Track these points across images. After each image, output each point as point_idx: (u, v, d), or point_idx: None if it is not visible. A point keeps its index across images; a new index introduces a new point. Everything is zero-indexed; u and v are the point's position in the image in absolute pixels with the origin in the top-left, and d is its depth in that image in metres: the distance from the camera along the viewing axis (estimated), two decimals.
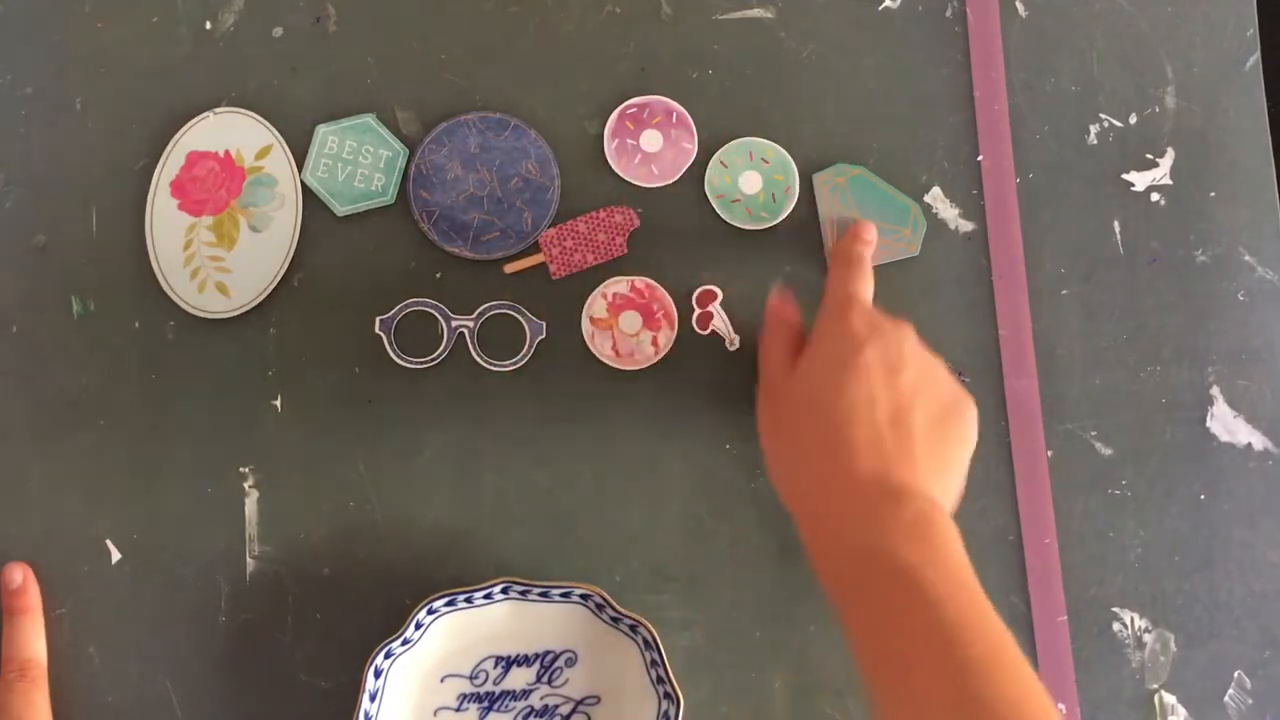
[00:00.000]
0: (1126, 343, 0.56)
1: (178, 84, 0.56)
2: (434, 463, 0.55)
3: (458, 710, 0.52)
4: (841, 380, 0.46)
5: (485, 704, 0.52)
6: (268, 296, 0.55)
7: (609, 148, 0.56)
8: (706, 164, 0.56)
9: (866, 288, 0.51)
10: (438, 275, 0.56)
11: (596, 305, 0.55)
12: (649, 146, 0.56)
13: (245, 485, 0.54)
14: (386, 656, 0.50)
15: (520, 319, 0.55)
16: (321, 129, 0.56)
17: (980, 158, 0.57)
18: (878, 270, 0.56)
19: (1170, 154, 0.58)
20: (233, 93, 0.56)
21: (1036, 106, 0.58)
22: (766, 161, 0.56)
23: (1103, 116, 0.58)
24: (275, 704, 0.53)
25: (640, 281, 0.56)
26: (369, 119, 0.56)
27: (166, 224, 0.55)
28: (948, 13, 0.58)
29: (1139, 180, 0.58)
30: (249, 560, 0.54)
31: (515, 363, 0.55)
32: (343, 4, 0.57)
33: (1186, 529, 0.55)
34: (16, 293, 0.55)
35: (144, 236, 0.55)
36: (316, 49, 0.57)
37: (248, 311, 0.55)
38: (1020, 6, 0.58)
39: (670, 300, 0.55)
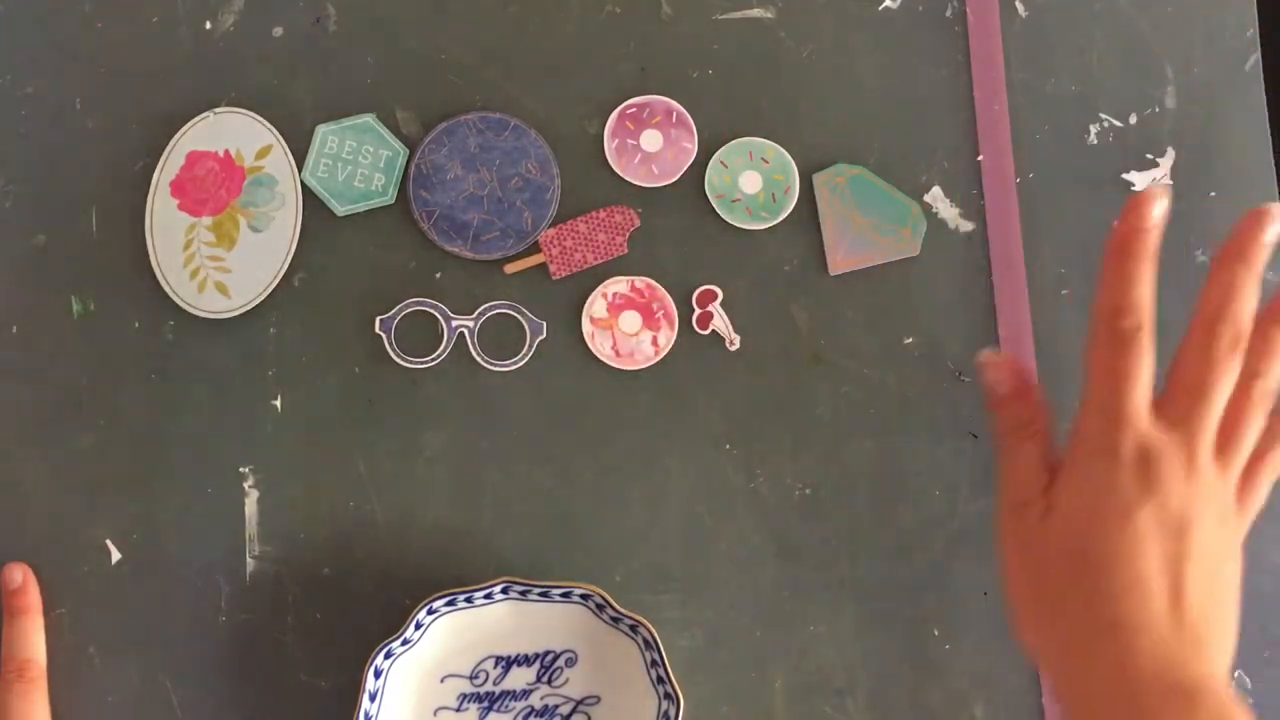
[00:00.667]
0: None
1: (178, 84, 0.56)
2: (434, 463, 0.55)
3: (458, 710, 0.52)
4: (1110, 545, 0.37)
5: (485, 704, 0.52)
6: (268, 296, 0.55)
7: (609, 148, 0.56)
8: (706, 164, 0.56)
9: (1142, 379, 0.39)
10: (438, 275, 0.56)
11: (596, 305, 0.55)
12: (649, 146, 0.56)
13: (245, 485, 0.54)
14: (386, 656, 0.50)
15: (520, 319, 0.55)
16: (321, 129, 0.56)
17: (980, 158, 0.57)
18: (878, 272, 0.56)
19: (1170, 154, 0.58)
20: (233, 93, 0.56)
21: (1036, 106, 0.58)
22: (766, 161, 0.56)
23: (1103, 116, 0.58)
24: (275, 704, 0.53)
25: (640, 281, 0.56)
26: (369, 119, 0.56)
27: (166, 224, 0.55)
28: (948, 13, 0.58)
29: (1139, 180, 0.58)
30: (249, 560, 0.54)
31: (515, 363, 0.55)
32: (343, 4, 0.57)
33: None
34: (16, 293, 0.55)
35: (144, 236, 0.55)
36: (316, 49, 0.57)
37: (248, 311, 0.55)
38: (1020, 6, 0.58)
39: (670, 300, 0.55)
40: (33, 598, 0.53)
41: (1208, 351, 0.39)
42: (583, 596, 0.51)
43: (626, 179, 0.56)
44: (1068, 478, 0.39)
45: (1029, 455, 0.41)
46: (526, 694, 0.52)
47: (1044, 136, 0.58)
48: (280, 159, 0.56)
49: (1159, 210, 0.41)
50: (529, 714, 0.52)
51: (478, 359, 0.55)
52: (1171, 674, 0.36)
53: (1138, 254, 0.40)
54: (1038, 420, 0.41)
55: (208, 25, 0.57)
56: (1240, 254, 0.40)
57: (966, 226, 0.57)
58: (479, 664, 0.52)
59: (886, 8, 0.58)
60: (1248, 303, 0.40)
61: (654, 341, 0.55)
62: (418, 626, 0.50)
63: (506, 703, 0.52)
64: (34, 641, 0.52)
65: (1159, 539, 0.37)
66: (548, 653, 0.52)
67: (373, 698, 0.49)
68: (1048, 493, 0.40)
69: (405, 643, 0.50)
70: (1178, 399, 0.39)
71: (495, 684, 0.52)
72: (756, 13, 0.58)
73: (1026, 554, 0.40)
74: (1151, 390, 0.39)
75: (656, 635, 0.50)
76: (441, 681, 0.52)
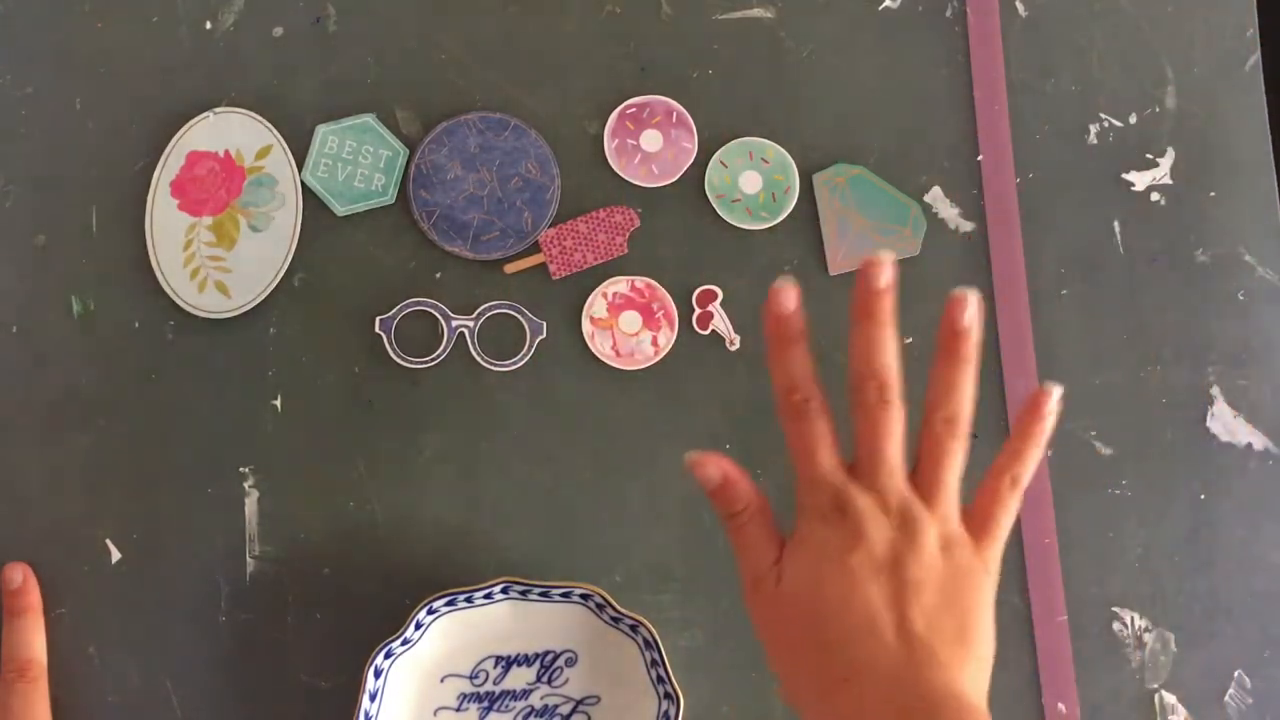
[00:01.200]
0: (1126, 343, 0.56)
1: (178, 84, 0.56)
2: (434, 463, 0.55)
3: (458, 710, 0.52)
4: (833, 597, 0.39)
5: (485, 704, 0.52)
6: (268, 296, 0.55)
7: (609, 148, 0.56)
8: (706, 164, 0.56)
9: (823, 443, 0.42)
10: (438, 275, 0.56)
11: (596, 305, 0.55)
12: (649, 146, 0.56)
13: (245, 485, 0.54)
14: (386, 656, 0.50)
15: (520, 319, 0.55)
16: (321, 129, 0.56)
17: (980, 158, 0.57)
18: None
19: (1170, 154, 0.58)
20: (233, 93, 0.56)
21: (1036, 106, 0.58)
22: (766, 161, 0.56)
23: (1103, 116, 0.58)
24: (275, 704, 0.53)
25: (640, 281, 0.56)
26: (369, 119, 0.56)
27: (166, 224, 0.55)
28: (948, 13, 0.58)
29: (1139, 180, 0.58)
30: (249, 560, 0.54)
31: (515, 363, 0.55)
32: (343, 4, 0.57)
33: (1186, 529, 0.55)
34: (16, 293, 0.55)
35: (144, 236, 0.55)
36: (316, 49, 0.57)
37: (248, 311, 0.55)
38: (1020, 6, 0.58)
39: (670, 300, 0.55)
40: (33, 597, 0.53)
41: (864, 408, 0.42)
42: (583, 596, 0.51)
43: (626, 179, 0.56)
44: (790, 546, 0.42)
45: (754, 534, 0.43)
46: (526, 694, 0.52)
47: (1044, 136, 0.58)
48: (280, 159, 0.56)
49: (791, 302, 0.42)
50: (529, 714, 0.52)
51: (478, 359, 0.55)
52: (904, 693, 0.38)
53: (784, 337, 0.42)
54: (753, 503, 0.43)
55: (208, 25, 0.57)
56: (865, 312, 0.42)
57: (966, 226, 0.57)
58: (479, 664, 0.52)
59: (886, 8, 0.58)
60: (884, 353, 0.42)
61: (654, 341, 0.55)
62: (418, 626, 0.50)
63: (506, 702, 0.52)
64: (35, 641, 0.52)
65: (875, 581, 0.39)
66: (548, 652, 0.52)
67: (373, 697, 0.49)
68: (778, 563, 0.42)
69: (405, 642, 0.50)
70: (859, 455, 0.42)
71: (495, 684, 0.52)
72: (756, 13, 0.58)
73: (770, 623, 0.42)
74: (836, 452, 0.42)
75: (656, 635, 0.50)
76: (441, 681, 0.52)
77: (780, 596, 0.41)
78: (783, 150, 0.57)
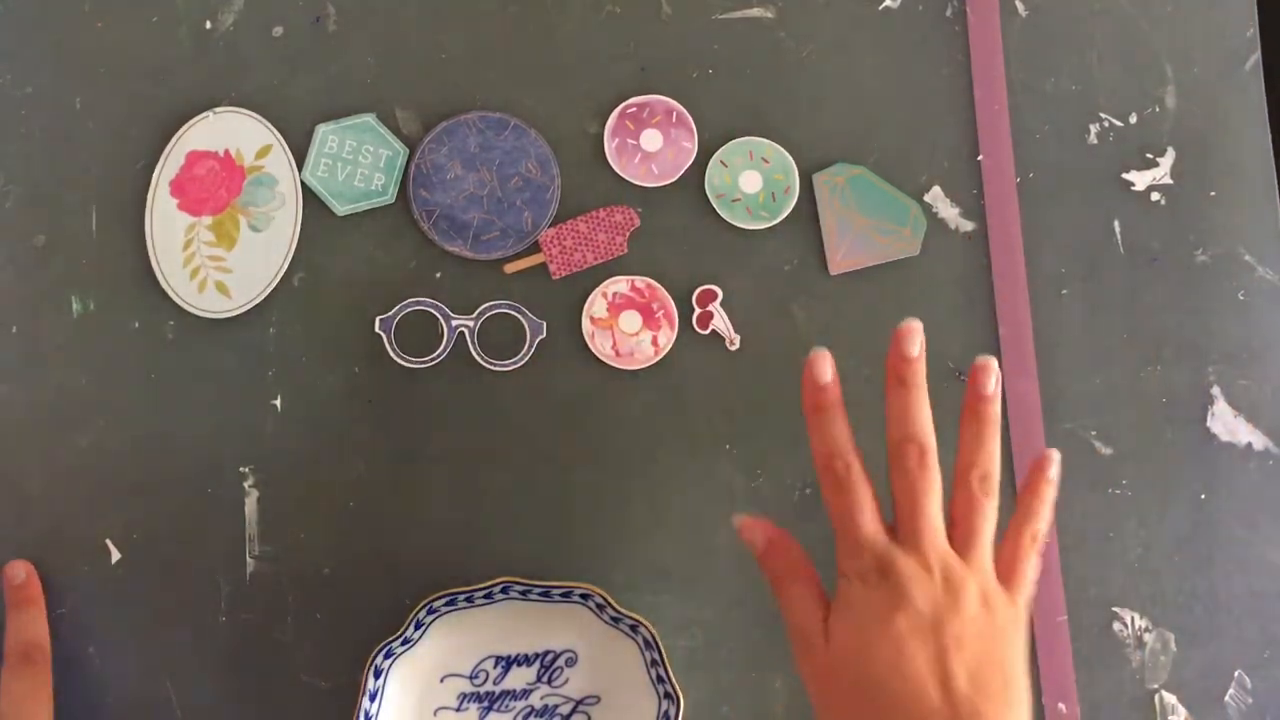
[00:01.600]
0: (1126, 343, 0.56)
1: (178, 84, 0.56)
2: (434, 463, 0.55)
3: (458, 710, 0.52)
4: (879, 659, 0.40)
5: (485, 704, 0.52)
6: (268, 296, 0.55)
7: (609, 147, 0.56)
8: (706, 164, 0.56)
9: (865, 508, 0.43)
10: (438, 275, 0.56)
11: (596, 305, 0.55)
12: (649, 146, 0.56)
13: (245, 485, 0.54)
14: (386, 656, 0.50)
15: (520, 319, 0.55)
16: (321, 129, 0.56)
17: (980, 158, 0.57)
18: (878, 272, 0.56)
19: (1170, 154, 0.58)
20: (233, 93, 0.56)
21: (1036, 106, 0.58)
22: (766, 161, 0.56)
23: (1103, 116, 0.58)
24: (275, 704, 0.53)
25: (640, 281, 0.56)
26: (369, 119, 0.56)
27: (166, 224, 0.55)
28: (948, 13, 0.58)
29: (1139, 180, 0.58)
30: (249, 560, 0.54)
31: (515, 363, 0.55)
32: (343, 4, 0.57)
33: (1186, 529, 0.55)
34: (16, 293, 0.55)
35: (144, 236, 0.55)
36: (316, 49, 0.57)
37: (248, 311, 0.55)
38: (1020, 6, 0.58)
39: (670, 300, 0.55)
40: (36, 590, 0.52)
41: (904, 471, 0.43)
42: (583, 596, 0.51)
43: (626, 179, 0.56)
44: (835, 608, 0.43)
45: (802, 596, 0.44)
46: (526, 694, 0.52)
47: (1044, 136, 0.58)
48: (280, 159, 0.56)
49: (827, 372, 0.45)
50: (529, 714, 0.52)
51: (478, 359, 0.55)
52: None
53: (822, 406, 0.44)
54: (800, 565, 0.44)
55: (208, 25, 0.57)
56: (899, 378, 0.44)
57: (966, 226, 0.57)
58: (479, 664, 0.52)
59: (886, 8, 0.58)
60: (921, 418, 0.44)
61: (654, 341, 0.55)
62: (418, 626, 0.50)
63: (506, 702, 0.52)
64: (39, 628, 0.52)
65: (920, 642, 0.40)
66: (547, 652, 0.52)
67: (372, 697, 0.49)
68: (825, 624, 0.43)
69: (405, 642, 0.50)
70: (900, 517, 0.43)
71: (495, 684, 0.52)
72: (756, 13, 0.58)
73: (821, 684, 0.43)
74: (879, 515, 0.43)
75: (656, 635, 0.50)
76: (441, 681, 0.52)
77: (829, 658, 0.42)
78: (783, 150, 0.56)
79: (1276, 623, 0.55)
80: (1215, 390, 0.56)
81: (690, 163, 0.56)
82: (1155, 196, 0.57)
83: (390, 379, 0.55)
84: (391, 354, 0.55)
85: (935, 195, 0.57)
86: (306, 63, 0.57)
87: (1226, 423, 0.56)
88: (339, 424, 0.55)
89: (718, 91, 0.57)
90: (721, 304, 0.56)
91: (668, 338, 0.55)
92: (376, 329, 0.55)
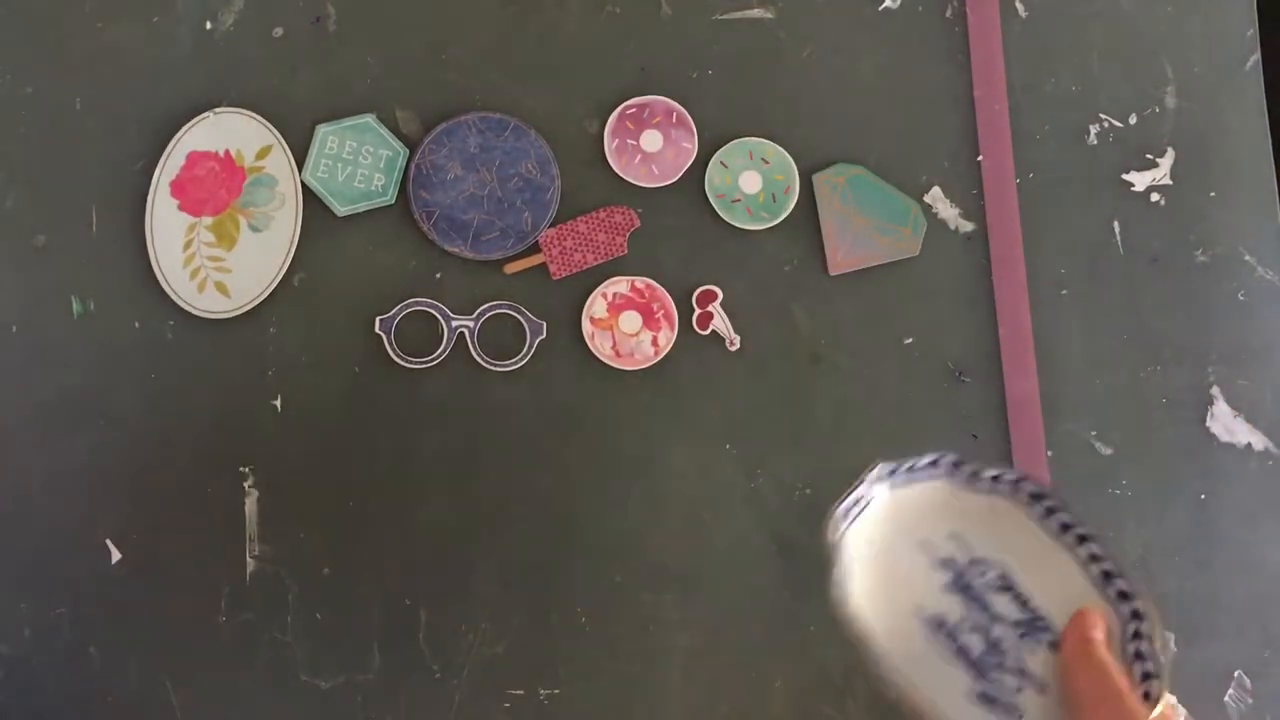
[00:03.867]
0: (1126, 343, 0.56)
1: (178, 84, 0.56)
2: (434, 463, 0.55)
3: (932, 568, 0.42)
4: None
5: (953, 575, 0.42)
6: (268, 296, 0.55)
7: (609, 148, 0.56)
8: (706, 164, 0.56)
9: None
10: (438, 275, 0.56)
11: (596, 305, 0.55)
12: (649, 146, 0.56)
13: (245, 485, 0.54)
14: (892, 474, 0.41)
15: (520, 319, 0.55)
16: (321, 129, 0.56)
17: (980, 158, 0.57)
18: (878, 272, 0.56)
19: (1170, 154, 0.58)
20: (233, 93, 0.56)
21: (1036, 106, 0.58)
22: (766, 161, 0.56)
23: (1103, 116, 0.58)
24: (275, 704, 0.53)
25: (640, 281, 0.56)
26: (369, 119, 0.56)
27: (166, 224, 0.55)
28: (948, 13, 0.58)
29: (1139, 180, 0.58)
30: (249, 560, 0.54)
31: (515, 363, 0.55)
32: (343, 4, 0.57)
33: (1186, 529, 0.55)
34: (16, 293, 0.55)
35: (144, 236, 0.55)
36: (316, 49, 0.57)
37: (248, 311, 0.55)
38: (1020, 6, 0.58)
39: (670, 300, 0.55)
40: None
41: None
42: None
43: (626, 179, 0.56)
44: None
45: None
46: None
47: (1044, 137, 0.58)
48: (280, 159, 0.56)
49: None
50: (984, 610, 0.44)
51: (478, 359, 0.55)
52: None
53: None
54: None
55: (208, 25, 0.57)
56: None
57: (966, 226, 0.57)
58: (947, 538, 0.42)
59: (886, 8, 0.58)
60: None
61: (654, 341, 0.55)
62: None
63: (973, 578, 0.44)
64: None
65: None
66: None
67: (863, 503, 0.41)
68: None
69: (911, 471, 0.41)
70: None
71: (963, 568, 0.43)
72: (756, 13, 0.58)
73: None
74: None
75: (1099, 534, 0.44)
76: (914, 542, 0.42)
77: None
78: (783, 150, 0.57)
79: (1276, 623, 0.55)
80: (1215, 390, 0.56)
81: (690, 163, 0.56)
82: (1155, 197, 0.57)
83: (390, 379, 0.55)
84: (391, 354, 0.55)
85: (935, 195, 0.57)
86: (306, 63, 0.57)
87: (1226, 423, 0.56)
88: (339, 424, 0.55)
89: (718, 92, 0.57)
90: (721, 304, 0.56)
91: (668, 338, 0.55)
92: (376, 329, 0.55)
